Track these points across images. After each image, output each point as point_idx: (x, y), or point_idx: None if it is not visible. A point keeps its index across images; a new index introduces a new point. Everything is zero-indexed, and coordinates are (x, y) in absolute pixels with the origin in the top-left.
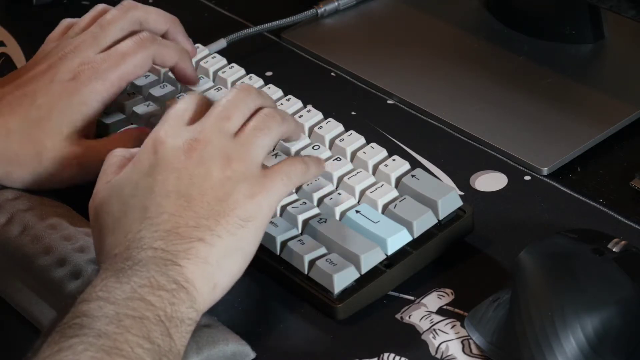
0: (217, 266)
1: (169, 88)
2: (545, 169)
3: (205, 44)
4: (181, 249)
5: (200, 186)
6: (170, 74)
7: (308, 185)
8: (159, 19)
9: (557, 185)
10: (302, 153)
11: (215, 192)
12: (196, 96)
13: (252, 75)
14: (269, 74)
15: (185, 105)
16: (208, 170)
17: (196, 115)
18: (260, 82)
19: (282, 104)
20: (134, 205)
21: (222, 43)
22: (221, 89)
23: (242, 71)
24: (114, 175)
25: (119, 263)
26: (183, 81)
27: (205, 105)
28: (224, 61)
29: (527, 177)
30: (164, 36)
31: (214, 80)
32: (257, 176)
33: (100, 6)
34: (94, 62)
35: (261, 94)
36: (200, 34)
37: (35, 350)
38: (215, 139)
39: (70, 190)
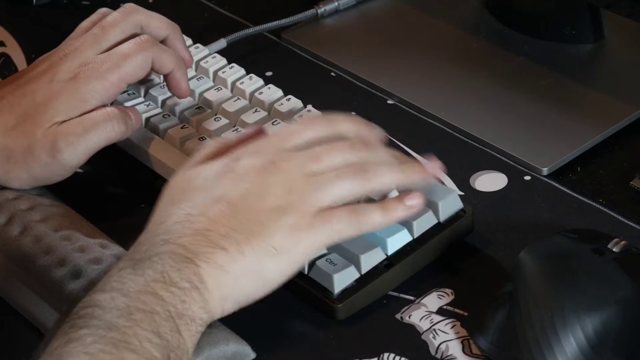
0: (233, 279)
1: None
2: (545, 169)
3: (205, 44)
4: (203, 251)
5: (250, 203)
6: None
7: None
8: (160, 24)
9: (557, 185)
10: None
11: (261, 216)
12: (320, 127)
13: (252, 75)
14: (269, 74)
15: (303, 134)
16: (266, 194)
17: (303, 145)
18: (260, 82)
19: (282, 104)
20: (187, 199)
21: (222, 43)
22: (221, 88)
23: (242, 71)
24: (199, 164)
25: (140, 253)
26: (175, 91)
27: (323, 142)
28: (224, 61)
29: (527, 177)
30: (162, 42)
31: (214, 80)
32: (309, 214)
33: (103, 10)
34: (94, 63)
35: (364, 147)
36: (200, 34)
37: (47, 341)
38: (292, 171)
39: (70, 190)
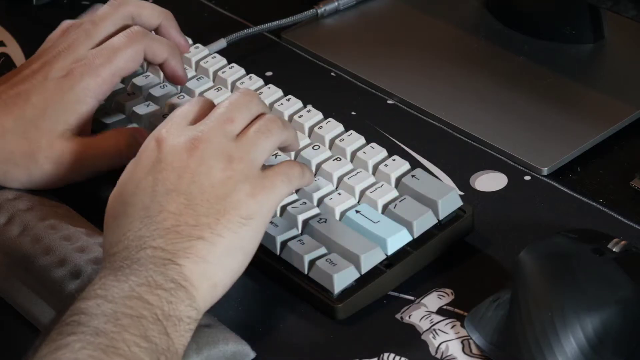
0: (217, 265)
1: (169, 88)
2: (545, 169)
3: (205, 44)
4: (180, 247)
5: (200, 184)
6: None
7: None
8: (152, 13)
9: (557, 185)
10: (302, 153)
11: (216, 191)
12: (201, 99)
13: (252, 75)
14: (269, 74)
15: (189, 107)
16: (209, 169)
17: (199, 117)
18: (260, 82)
19: (282, 104)
20: (134, 204)
21: (222, 43)
22: (221, 88)
23: (242, 71)
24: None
25: (118, 262)
26: (172, 79)
27: (209, 108)
28: (224, 61)
29: (527, 177)
30: (156, 31)
31: (214, 80)
32: (258, 176)
33: (99, 7)
34: (87, 59)
35: (263, 102)
36: (200, 34)
37: (35, 349)
38: (217, 138)
39: (70, 190)
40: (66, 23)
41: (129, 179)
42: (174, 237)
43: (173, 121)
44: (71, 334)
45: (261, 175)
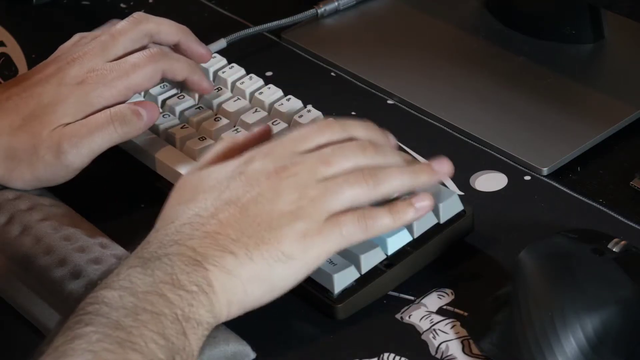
0: (241, 285)
1: (169, 88)
2: (545, 169)
3: (205, 44)
4: (212, 254)
5: (261, 208)
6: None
7: None
8: (170, 30)
9: (557, 185)
10: None
11: (270, 220)
12: (332, 131)
13: (252, 75)
14: (269, 74)
15: (315, 138)
16: (277, 198)
17: (314, 148)
18: (260, 82)
19: (282, 104)
20: (197, 199)
21: (222, 43)
22: (221, 89)
23: (242, 71)
24: (210, 164)
25: (148, 252)
26: (198, 92)
27: (336, 140)
28: (224, 61)
29: (527, 177)
30: (176, 46)
31: (214, 81)
32: (319, 220)
33: (116, 22)
34: (103, 70)
35: (379, 152)
36: (200, 34)
37: (53, 334)
38: (304, 176)
39: (70, 190)
40: (78, 35)
41: (209, 177)
42: (210, 242)
43: (284, 144)
44: (89, 324)
45: (324, 220)
